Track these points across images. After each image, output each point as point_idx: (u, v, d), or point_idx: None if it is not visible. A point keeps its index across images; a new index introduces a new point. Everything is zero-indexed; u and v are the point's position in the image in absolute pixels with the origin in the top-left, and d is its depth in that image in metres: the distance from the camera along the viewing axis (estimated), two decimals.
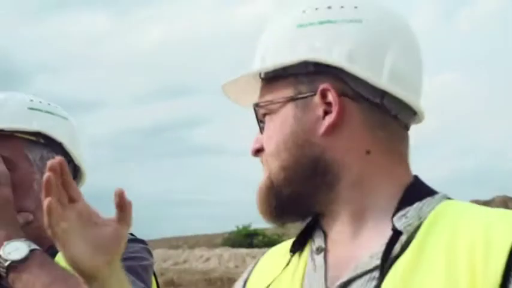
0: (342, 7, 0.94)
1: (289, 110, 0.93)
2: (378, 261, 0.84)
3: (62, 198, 0.92)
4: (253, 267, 1.07)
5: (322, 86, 0.91)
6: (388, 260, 0.83)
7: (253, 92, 0.99)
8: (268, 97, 0.96)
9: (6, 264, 1.17)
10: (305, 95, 0.93)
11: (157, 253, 23.60)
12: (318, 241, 0.96)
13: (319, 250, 0.94)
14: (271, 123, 0.95)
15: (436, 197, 0.89)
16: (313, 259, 0.95)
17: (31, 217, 1.33)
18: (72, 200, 0.94)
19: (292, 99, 0.93)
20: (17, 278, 1.17)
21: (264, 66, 0.96)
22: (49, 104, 1.45)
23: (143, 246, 1.38)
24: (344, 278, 0.87)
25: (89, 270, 0.93)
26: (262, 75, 0.98)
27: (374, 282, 0.84)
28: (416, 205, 0.87)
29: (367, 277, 0.85)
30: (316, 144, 0.91)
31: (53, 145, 1.41)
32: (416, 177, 0.93)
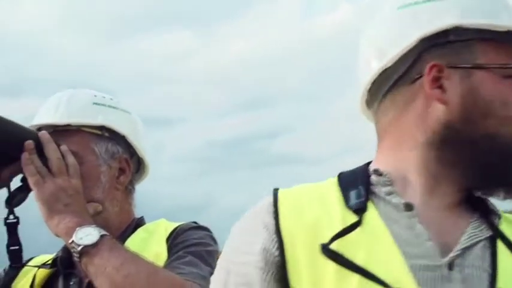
0: None
1: None
2: (488, 232, 0.86)
3: None
4: (276, 216, 0.85)
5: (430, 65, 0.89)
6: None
7: None
8: None
9: (79, 249, 1.22)
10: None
11: None
12: (395, 197, 0.85)
13: (408, 207, 0.83)
14: None
15: None
16: (398, 220, 0.83)
17: (100, 207, 1.38)
18: None
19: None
20: (89, 262, 1.22)
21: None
22: (111, 99, 1.49)
23: (207, 233, 1.41)
24: (459, 247, 0.83)
25: None
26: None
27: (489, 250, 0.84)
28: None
29: (480, 244, 0.84)
30: None
31: (116, 138, 1.46)
32: None
